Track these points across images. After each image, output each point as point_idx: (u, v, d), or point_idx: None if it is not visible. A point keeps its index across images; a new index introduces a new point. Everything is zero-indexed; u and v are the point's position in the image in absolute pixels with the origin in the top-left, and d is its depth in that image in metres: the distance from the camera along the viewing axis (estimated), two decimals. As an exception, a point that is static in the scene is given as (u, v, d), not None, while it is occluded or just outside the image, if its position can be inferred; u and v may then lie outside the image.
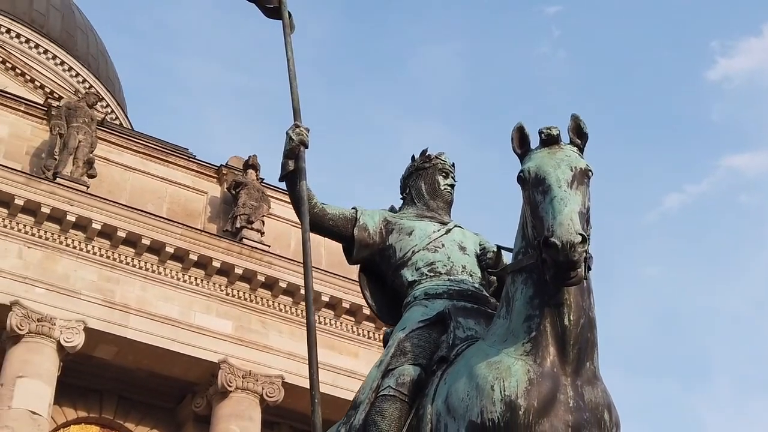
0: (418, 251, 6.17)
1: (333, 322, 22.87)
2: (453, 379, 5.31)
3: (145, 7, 72.94)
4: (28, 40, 31.32)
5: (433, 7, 67.23)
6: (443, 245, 6.21)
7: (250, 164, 23.92)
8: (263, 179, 23.86)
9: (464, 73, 68.05)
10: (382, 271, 6.35)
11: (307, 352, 5.77)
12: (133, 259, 21.36)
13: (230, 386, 21.10)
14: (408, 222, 6.37)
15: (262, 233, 22.97)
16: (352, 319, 23.08)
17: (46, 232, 20.71)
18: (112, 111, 32.92)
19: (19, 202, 20.41)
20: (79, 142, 21.83)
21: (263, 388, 21.35)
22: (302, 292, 22.46)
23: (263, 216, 23.25)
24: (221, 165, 24.09)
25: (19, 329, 19.62)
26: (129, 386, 21.83)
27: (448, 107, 68.71)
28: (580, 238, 4.85)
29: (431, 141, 64.48)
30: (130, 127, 31.96)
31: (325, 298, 22.54)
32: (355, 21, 69.52)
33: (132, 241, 21.29)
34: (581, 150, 5.40)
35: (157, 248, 21.50)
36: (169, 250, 21.53)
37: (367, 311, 21.87)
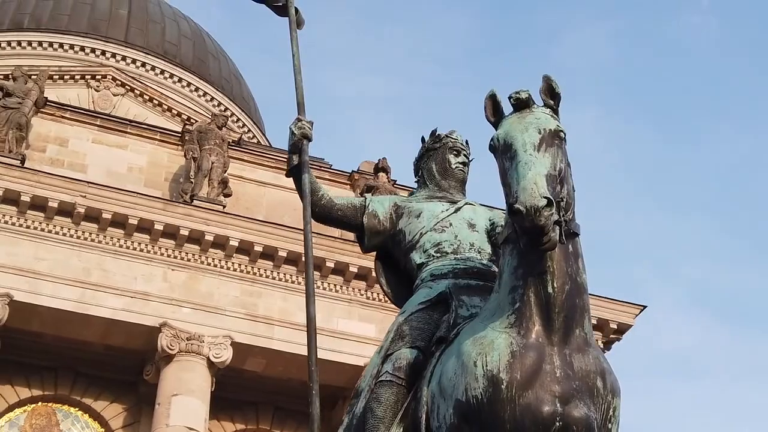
0: (425, 233, 6.05)
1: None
2: (446, 359, 5.19)
3: (270, 26, 74.35)
4: (162, 71, 32.49)
5: (575, -10, 66.09)
6: (451, 224, 6.06)
7: (381, 167, 24.01)
8: (395, 181, 23.89)
9: (615, 51, 66.61)
10: (395, 256, 6.27)
11: (306, 344, 5.74)
12: (272, 271, 21.76)
13: (378, 389, 21.22)
14: (417, 204, 6.26)
15: (397, 235, 22.99)
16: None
17: (187, 253, 21.37)
18: (249, 130, 33.71)
19: (159, 227, 21.13)
20: (212, 163, 22.45)
21: (411, 389, 21.40)
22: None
23: (398, 217, 23.26)
24: (353, 171, 24.25)
25: (170, 349, 20.33)
26: (282, 396, 22.22)
27: (603, 88, 67.37)
28: (545, 202, 4.64)
29: (589, 124, 63.22)
30: (268, 145, 32.64)
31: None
32: (496, 11, 69.00)
33: (269, 254, 21.70)
34: (555, 111, 5.19)
35: (294, 259, 21.79)
36: (306, 259, 21.79)
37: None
